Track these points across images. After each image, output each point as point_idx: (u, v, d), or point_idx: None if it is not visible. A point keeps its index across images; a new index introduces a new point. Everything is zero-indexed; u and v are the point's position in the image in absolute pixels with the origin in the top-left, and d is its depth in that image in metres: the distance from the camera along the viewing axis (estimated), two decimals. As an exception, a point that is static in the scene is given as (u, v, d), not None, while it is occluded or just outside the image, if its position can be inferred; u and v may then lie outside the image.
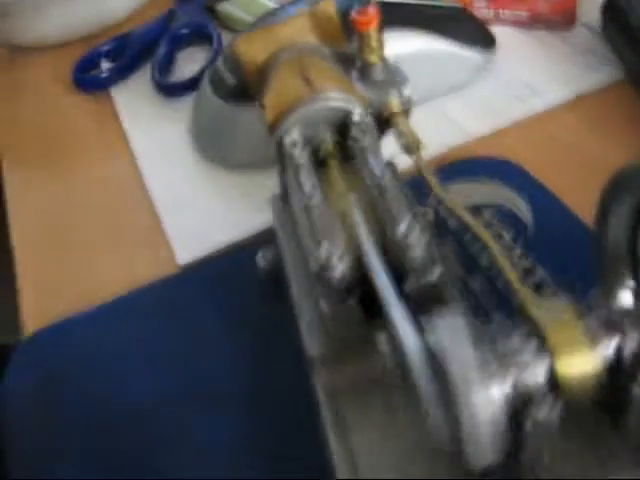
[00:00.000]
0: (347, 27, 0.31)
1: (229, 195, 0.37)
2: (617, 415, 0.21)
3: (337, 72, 0.29)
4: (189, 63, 0.47)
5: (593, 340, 0.20)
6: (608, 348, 0.20)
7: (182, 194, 0.38)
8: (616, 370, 0.20)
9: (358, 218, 0.25)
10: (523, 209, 0.33)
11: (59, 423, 0.30)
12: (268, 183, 0.32)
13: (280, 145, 0.28)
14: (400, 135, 0.29)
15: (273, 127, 0.29)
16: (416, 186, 0.27)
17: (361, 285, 0.24)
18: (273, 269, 0.31)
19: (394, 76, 0.31)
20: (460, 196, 0.34)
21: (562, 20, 0.43)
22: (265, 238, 0.31)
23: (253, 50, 0.32)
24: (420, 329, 0.20)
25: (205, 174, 0.39)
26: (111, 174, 0.41)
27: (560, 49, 0.42)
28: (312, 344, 0.25)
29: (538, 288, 0.30)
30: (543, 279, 0.30)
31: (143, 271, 0.35)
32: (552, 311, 0.20)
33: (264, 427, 0.28)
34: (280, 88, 0.29)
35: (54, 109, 0.47)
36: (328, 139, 0.28)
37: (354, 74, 0.31)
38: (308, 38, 0.32)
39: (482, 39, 0.41)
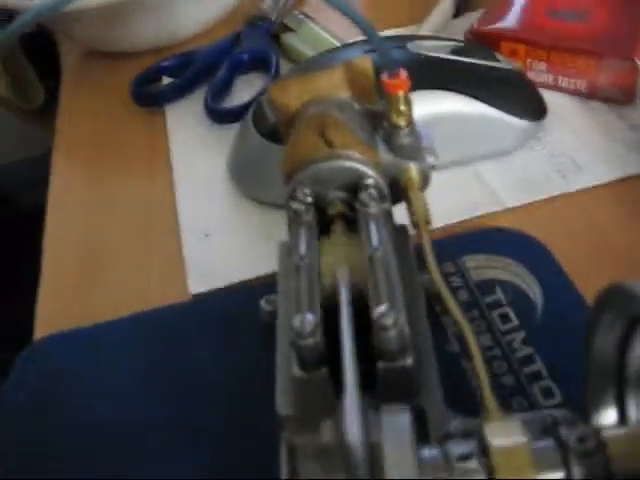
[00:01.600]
0: (380, 84, 0.31)
1: (255, 233, 0.38)
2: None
3: (358, 133, 0.29)
4: (246, 89, 0.48)
5: (538, 469, 0.19)
6: (556, 470, 0.19)
7: (210, 224, 0.39)
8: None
9: (343, 295, 0.25)
10: (535, 290, 0.32)
11: (48, 429, 0.31)
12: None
13: (290, 198, 0.28)
14: (411, 207, 0.28)
15: (287, 179, 0.29)
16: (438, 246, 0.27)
17: (334, 358, 0.24)
18: (275, 315, 0.31)
19: (420, 142, 0.30)
20: (473, 269, 0.33)
21: (621, 95, 0.41)
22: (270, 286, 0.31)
23: (286, 97, 0.32)
24: (367, 424, 0.20)
25: (236, 208, 0.40)
26: (148, 191, 0.42)
27: (614, 125, 0.40)
28: (282, 403, 0.25)
29: (532, 379, 0.29)
30: (538, 370, 0.29)
31: (156, 295, 0.36)
32: (507, 432, 0.20)
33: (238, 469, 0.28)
34: (298, 142, 0.29)
35: (109, 117, 0.49)
36: (337, 201, 0.28)
37: (380, 134, 0.31)
38: (341, 91, 0.32)
39: (533, 108, 0.40)
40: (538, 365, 0.29)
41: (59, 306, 0.37)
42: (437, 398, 0.25)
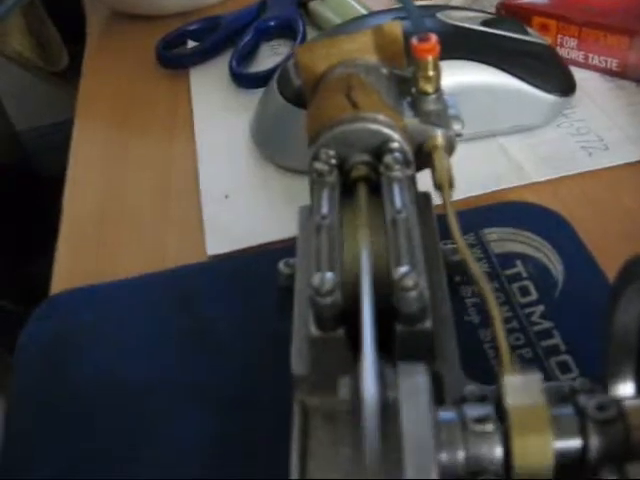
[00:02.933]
0: (409, 51, 0.31)
1: (276, 198, 0.38)
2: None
3: (384, 97, 0.29)
4: (272, 55, 0.48)
5: (556, 430, 0.19)
6: (569, 444, 0.19)
7: (230, 187, 0.39)
8: (576, 467, 0.19)
9: (365, 255, 0.24)
10: (557, 265, 0.32)
11: (61, 384, 0.31)
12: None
13: (313, 159, 0.28)
14: (434, 170, 0.28)
15: (311, 141, 0.29)
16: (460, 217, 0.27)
17: (352, 318, 0.23)
18: (293, 279, 0.31)
19: (447, 109, 0.30)
20: (494, 241, 0.33)
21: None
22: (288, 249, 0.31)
23: (313, 60, 0.32)
24: (384, 383, 0.20)
25: (257, 172, 0.39)
26: (169, 153, 0.42)
27: (643, 104, 0.40)
28: (297, 363, 0.25)
29: (549, 353, 0.29)
30: (556, 344, 0.29)
31: (173, 255, 0.36)
32: (526, 393, 0.19)
33: (244, 429, 0.28)
34: (323, 102, 0.29)
35: (133, 80, 0.49)
36: (361, 164, 0.28)
37: (407, 100, 0.30)
38: (369, 55, 0.31)
39: (561, 83, 0.39)
40: (556, 339, 0.29)
41: (76, 263, 0.37)
42: (455, 364, 0.24)
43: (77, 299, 0.34)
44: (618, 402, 0.19)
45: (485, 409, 0.19)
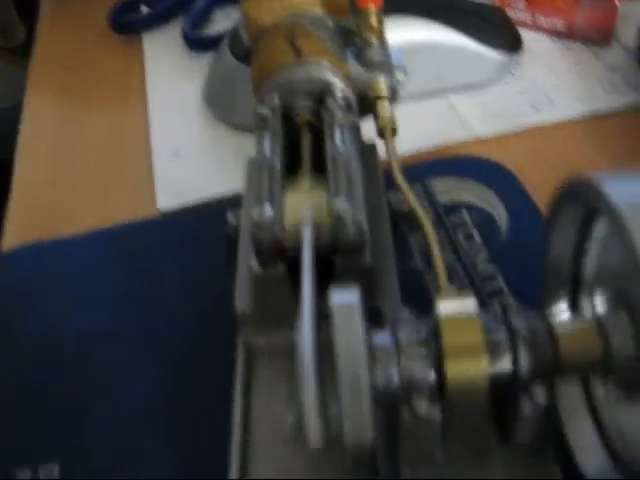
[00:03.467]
0: (354, 3, 0.31)
1: (226, 154, 0.38)
2: (505, 430, 0.20)
3: (328, 45, 0.29)
4: (224, 21, 0.48)
5: (489, 350, 0.19)
6: (501, 361, 0.19)
7: (182, 146, 0.39)
8: (508, 385, 0.19)
9: (306, 196, 0.25)
10: (501, 214, 0.32)
11: (13, 338, 0.31)
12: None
13: (258, 104, 0.28)
14: (377, 116, 0.28)
15: (256, 88, 0.29)
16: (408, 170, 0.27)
17: (295, 259, 0.24)
18: (239, 228, 0.31)
19: (390, 59, 0.30)
20: (440, 192, 0.33)
21: (598, 35, 0.41)
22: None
23: (260, 12, 0.32)
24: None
25: (209, 131, 0.39)
26: (122, 118, 0.42)
27: (590, 64, 0.41)
28: (240, 301, 0.25)
29: (493, 295, 0.30)
30: (499, 287, 0.30)
31: (124, 211, 0.35)
32: (460, 313, 0.20)
33: (195, 382, 0.28)
34: (267, 50, 0.29)
35: (87, 48, 0.48)
36: (305, 109, 0.28)
37: (351, 51, 0.31)
38: (315, 8, 0.32)
39: (509, 41, 0.40)
40: (500, 282, 0.29)
41: (28, 221, 0.37)
42: (395, 302, 0.25)
43: (27, 256, 0.34)
44: (548, 322, 0.20)
45: (419, 332, 0.20)
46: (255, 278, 0.24)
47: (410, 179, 0.30)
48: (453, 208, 0.32)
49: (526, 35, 0.41)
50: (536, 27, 0.43)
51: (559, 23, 0.42)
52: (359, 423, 0.18)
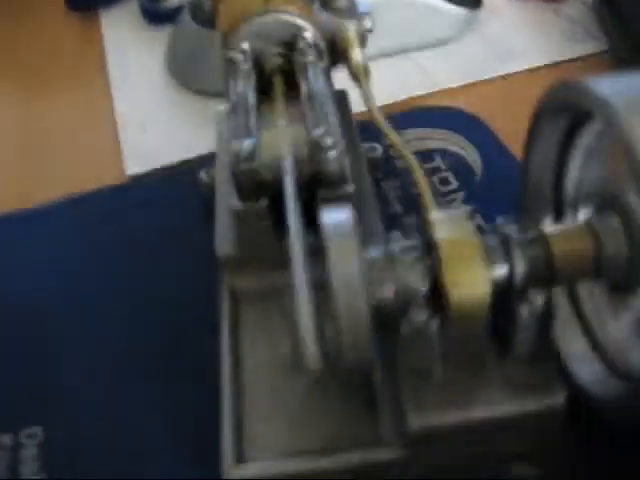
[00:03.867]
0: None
1: (193, 119, 0.37)
2: (504, 341, 0.20)
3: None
4: (182, -4, 0.47)
5: (486, 253, 0.19)
6: (497, 266, 0.19)
7: (147, 115, 0.38)
8: (505, 292, 0.19)
9: (283, 122, 0.24)
10: (474, 156, 0.32)
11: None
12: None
13: (228, 50, 0.28)
14: (349, 60, 0.28)
15: (225, 37, 0.29)
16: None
17: (276, 193, 0.23)
18: (213, 186, 0.30)
19: (356, 7, 0.30)
20: (413, 140, 0.33)
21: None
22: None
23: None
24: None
25: (174, 99, 0.39)
26: (84, 92, 0.41)
27: (550, 19, 0.41)
28: (221, 245, 0.25)
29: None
30: (478, 225, 0.29)
31: (93, 180, 0.35)
32: (453, 225, 0.20)
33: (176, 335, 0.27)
34: (233, 3, 0.29)
35: (43, 27, 0.47)
36: (276, 54, 0.28)
37: (317, 2, 0.30)
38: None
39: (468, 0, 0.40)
40: (478, 221, 0.29)
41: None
42: (378, 237, 0.25)
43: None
44: (539, 228, 0.20)
45: (412, 241, 0.20)
46: (237, 215, 0.24)
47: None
48: (427, 155, 0.32)
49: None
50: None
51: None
52: (358, 341, 0.18)
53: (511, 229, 0.20)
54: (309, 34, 0.28)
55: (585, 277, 0.20)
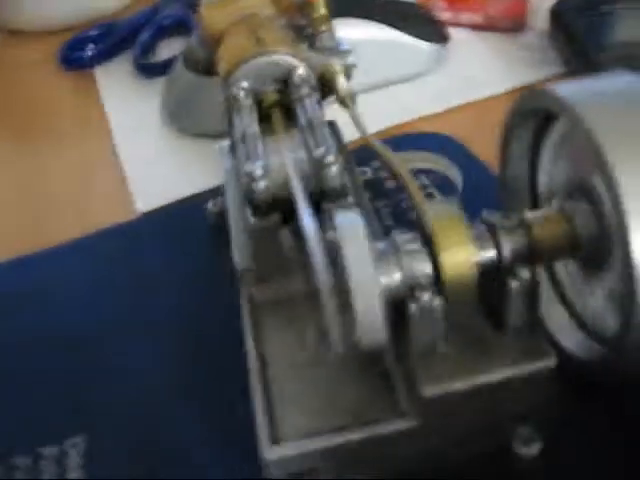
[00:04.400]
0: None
1: (194, 160, 0.40)
2: (499, 316, 0.23)
3: (287, 36, 0.32)
4: (169, 51, 0.51)
5: (475, 239, 0.22)
6: (488, 247, 0.22)
7: (149, 157, 0.41)
8: (496, 269, 0.22)
9: (287, 146, 0.27)
10: (456, 176, 0.36)
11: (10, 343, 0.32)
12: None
13: (230, 95, 0.31)
14: (337, 88, 0.32)
15: (226, 79, 0.32)
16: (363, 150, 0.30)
17: (287, 208, 0.26)
18: (221, 214, 0.33)
19: (339, 46, 0.34)
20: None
21: (513, 24, 0.46)
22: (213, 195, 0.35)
23: (215, 16, 0.35)
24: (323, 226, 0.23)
25: (174, 144, 0.42)
26: (85, 143, 0.44)
27: (509, 49, 0.45)
28: (239, 257, 0.27)
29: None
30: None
31: (104, 219, 0.37)
32: (443, 214, 0.23)
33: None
34: (233, 43, 0.32)
35: (40, 87, 0.50)
36: (272, 90, 0.31)
37: (304, 44, 0.34)
38: (266, 9, 0.35)
39: (435, 34, 0.44)
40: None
41: (5, 242, 0.38)
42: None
43: (12, 268, 0.35)
44: (519, 215, 0.23)
45: (411, 234, 0.23)
46: (252, 231, 0.27)
47: (369, 158, 0.33)
48: (413, 175, 0.36)
49: (451, 31, 0.46)
50: (459, 24, 0.47)
51: (477, 17, 0.47)
52: (373, 325, 0.21)
53: (496, 218, 0.23)
54: (301, 70, 0.31)
55: (563, 256, 0.23)
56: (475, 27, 0.47)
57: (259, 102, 0.31)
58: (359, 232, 0.22)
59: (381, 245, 0.23)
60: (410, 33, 0.42)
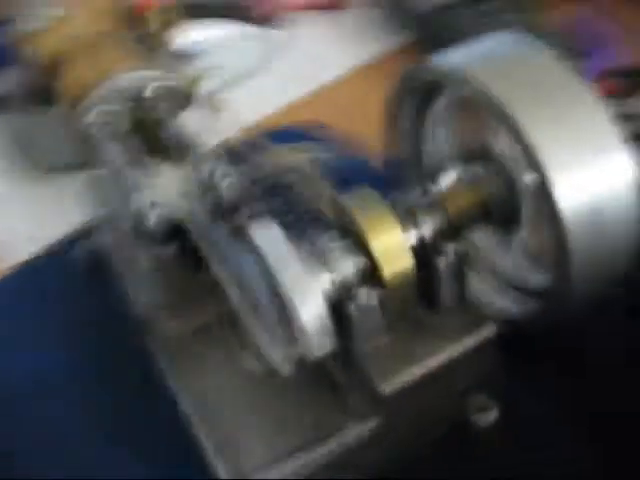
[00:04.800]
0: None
1: (50, 198, 0.37)
2: (430, 296, 0.23)
3: (131, 51, 0.30)
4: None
5: (400, 222, 0.22)
6: (412, 229, 0.22)
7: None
8: (421, 250, 0.22)
9: (170, 168, 0.26)
10: (329, 158, 0.35)
11: None
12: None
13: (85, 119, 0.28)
14: (202, 100, 0.30)
15: (74, 109, 0.29)
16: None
17: (178, 236, 0.24)
18: (94, 256, 0.31)
19: (186, 51, 0.32)
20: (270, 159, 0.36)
21: (335, 1, 0.47)
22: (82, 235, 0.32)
23: (46, 44, 0.32)
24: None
25: (21, 183, 0.39)
26: None
27: (341, 28, 0.46)
28: (140, 298, 0.25)
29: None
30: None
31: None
32: (364, 204, 0.22)
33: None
34: (75, 71, 0.30)
35: None
36: (127, 114, 0.29)
37: (149, 56, 0.32)
38: (99, 26, 0.32)
39: (269, 23, 0.44)
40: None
41: None
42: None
43: None
44: (432, 193, 0.23)
45: (329, 233, 0.22)
46: (150, 264, 0.25)
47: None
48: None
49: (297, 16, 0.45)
50: (283, 9, 0.46)
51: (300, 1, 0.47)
52: (321, 330, 0.20)
53: (412, 199, 0.23)
54: (157, 83, 0.29)
55: (479, 223, 0.23)
56: (299, 9, 0.47)
57: (121, 125, 0.29)
58: (282, 245, 0.21)
59: (304, 251, 0.22)
60: (253, 24, 0.42)
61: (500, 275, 0.25)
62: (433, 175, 0.26)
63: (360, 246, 0.21)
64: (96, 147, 0.28)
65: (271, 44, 0.43)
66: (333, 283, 0.21)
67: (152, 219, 0.24)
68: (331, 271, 0.21)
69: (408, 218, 0.22)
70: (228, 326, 0.24)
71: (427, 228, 0.22)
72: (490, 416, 0.23)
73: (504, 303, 0.24)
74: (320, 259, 0.21)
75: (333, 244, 0.21)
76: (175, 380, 0.24)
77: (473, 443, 0.23)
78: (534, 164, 0.20)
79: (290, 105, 0.40)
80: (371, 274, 0.21)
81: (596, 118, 0.20)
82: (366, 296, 0.21)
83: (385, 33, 0.44)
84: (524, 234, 0.24)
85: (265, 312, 0.21)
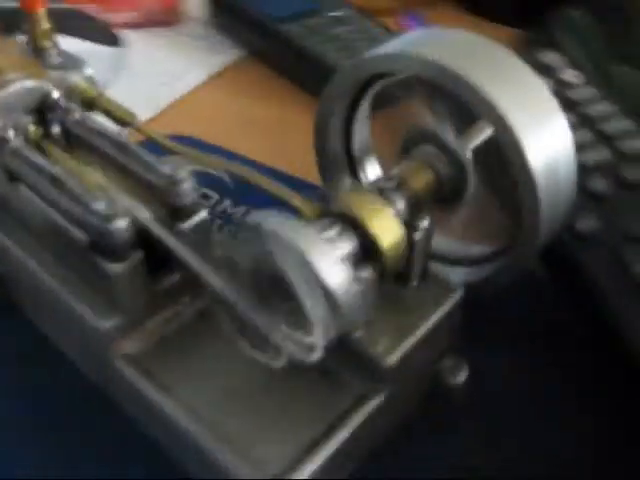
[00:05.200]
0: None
1: None
2: (405, 271, 0.24)
3: (24, 55, 0.28)
4: None
5: (387, 202, 0.23)
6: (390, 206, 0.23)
7: None
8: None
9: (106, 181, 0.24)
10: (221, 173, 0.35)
11: None
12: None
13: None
14: (109, 112, 0.28)
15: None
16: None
17: (140, 244, 0.23)
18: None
19: (72, 56, 0.30)
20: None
21: (170, 16, 0.46)
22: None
23: None
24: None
25: None
26: None
27: (179, 40, 0.45)
28: (100, 317, 0.24)
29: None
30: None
31: None
32: (354, 193, 0.23)
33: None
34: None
35: None
36: (32, 123, 0.27)
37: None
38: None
39: (108, 37, 0.42)
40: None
41: None
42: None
43: None
44: (394, 175, 0.24)
45: (328, 219, 0.22)
46: (116, 277, 0.23)
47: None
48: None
49: (123, 33, 0.44)
50: (120, 25, 0.45)
51: (134, 16, 0.45)
52: (354, 306, 0.20)
53: (380, 183, 0.24)
54: (57, 93, 0.27)
55: (432, 199, 0.25)
56: (135, 25, 0.45)
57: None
58: (299, 227, 0.21)
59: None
60: (91, 40, 0.40)
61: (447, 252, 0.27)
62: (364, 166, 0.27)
63: (350, 227, 0.22)
64: (13, 160, 0.25)
65: (114, 62, 0.41)
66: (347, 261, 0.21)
67: (117, 228, 0.22)
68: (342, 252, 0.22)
69: (384, 197, 0.23)
70: (206, 323, 0.23)
71: (400, 205, 0.23)
72: (462, 375, 0.25)
73: (458, 277, 0.26)
74: (323, 239, 0.21)
75: (330, 229, 0.22)
76: (161, 401, 0.23)
77: (446, 402, 0.25)
78: (496, 118, 0.22)
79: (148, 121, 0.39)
80: (368, 255, 0.22)
81: (538, 86, 0.23)
82: (368, 274, 0.22)
83: (224, 45, 0.45)
84: (468, 208, 0.26)
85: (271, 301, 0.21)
